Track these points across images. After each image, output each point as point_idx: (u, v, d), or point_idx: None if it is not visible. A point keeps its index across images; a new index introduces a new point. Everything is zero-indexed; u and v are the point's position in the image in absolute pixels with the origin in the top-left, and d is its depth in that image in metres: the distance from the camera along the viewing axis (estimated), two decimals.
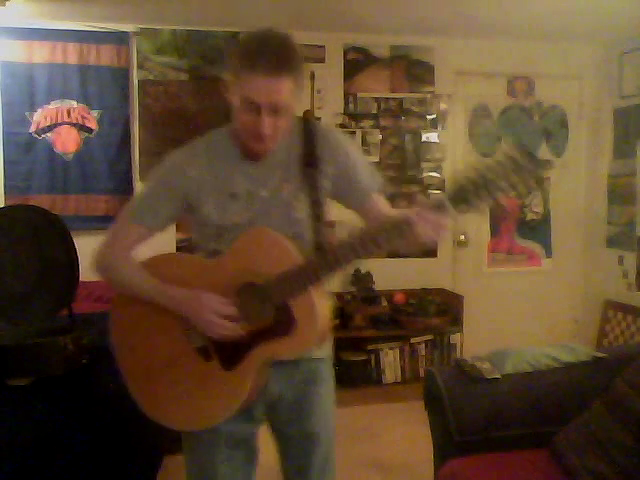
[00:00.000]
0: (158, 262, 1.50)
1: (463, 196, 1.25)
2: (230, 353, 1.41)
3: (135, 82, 3.85)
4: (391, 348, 3.93)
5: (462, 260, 4.36)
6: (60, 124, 3.74)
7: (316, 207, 1.46)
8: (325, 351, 1.57)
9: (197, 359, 1.44)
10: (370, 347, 3.89)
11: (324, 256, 1.36)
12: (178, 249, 3.20)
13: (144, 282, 1.45)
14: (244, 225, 1.42)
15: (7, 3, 3.15)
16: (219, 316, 1.38)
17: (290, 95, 1.34)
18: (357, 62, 4.12)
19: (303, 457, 1.57)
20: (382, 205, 1.54)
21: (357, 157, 1.54)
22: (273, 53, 1.30)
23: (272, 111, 1.33)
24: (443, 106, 4.25)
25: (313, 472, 1.58)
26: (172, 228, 1.57)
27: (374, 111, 4.15)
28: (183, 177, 1.44)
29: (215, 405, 1.43)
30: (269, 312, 1.37)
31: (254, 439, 1.57)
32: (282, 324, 1.36)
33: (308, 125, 1.51)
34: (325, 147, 1.48)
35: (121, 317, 1.54)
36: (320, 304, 1.37)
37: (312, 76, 4.00)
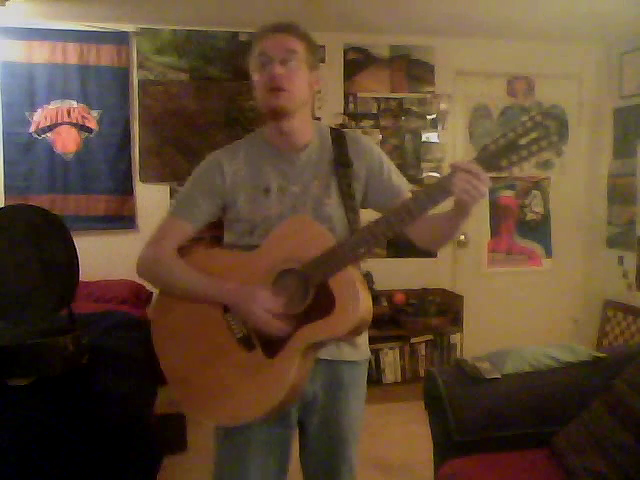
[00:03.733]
0: (198, 258, 1.52)
1: (492, 161, 1.27)
2: (273, 340, 1.40)
3: (135, 82, 3.85)
4: (391, 348, 3.93)
5: (462, 260, 4.36)
6: (60, 124, 3.74)
7: (349, 199, 1.50)
8: (361, 354, 1.59)
9: (240, 350, 1.43)
10: (370, 347, 3.88)
11: (361, 232, 1.37)
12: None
13: (193, 276, 1.47)
14: (275, 219, 1.46)
15: (7, 3, 3.15)
16: (267, 311, 1.38)
17: (302, 54, 1.45)
18: (357, 62, 4.12)
19: (331, 461, 1.58)
20: None
21: (387, 160, 1.60)
22: (282, 23, 1.48)
23: (283, 61, 1.43)
24: (443, 106, 4.25)
25: (341, 476, 1.59)
26: None
27: (374, 111, 4.15)
28: (220, 173, 1.50)
29: (261, 394, 1.40)
30: (309, 295, 1.37)
31: (289, 445, 1.57)
32: (322, 305, 1.35)
33: (338, 131, 1.59)
34: (356, 149, 1.54)
35: (162, 318, 1.54)
36: (361, 284, 1.37)
37: None
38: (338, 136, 1.56)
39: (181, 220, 1.51)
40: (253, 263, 1.44)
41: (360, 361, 1.60)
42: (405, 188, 1.58)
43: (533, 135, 1.25)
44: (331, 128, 1.60)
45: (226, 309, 1.45)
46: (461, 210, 1.34)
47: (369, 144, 1.59)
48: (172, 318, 1.52)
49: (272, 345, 1.40)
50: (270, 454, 1.52)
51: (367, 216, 1.54)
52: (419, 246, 1.55)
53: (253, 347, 1.42)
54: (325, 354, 1.48)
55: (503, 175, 1.30)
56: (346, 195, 1.49)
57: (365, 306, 1.36)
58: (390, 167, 1.59)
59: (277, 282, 1.41)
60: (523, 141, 1.26)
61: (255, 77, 1.47)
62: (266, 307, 1.38)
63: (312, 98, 1.55)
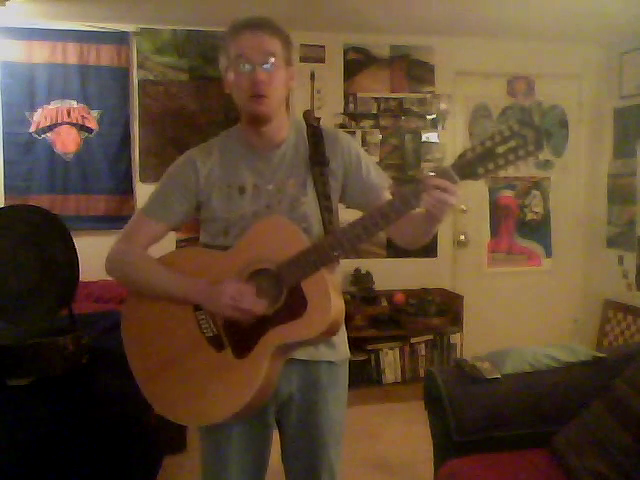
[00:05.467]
0: (172, 258, 1.52)
1: (469, 169, 1.27)
2: (243, 340, 1.40)
3: (135, 82, 3.85)
4: (391, 348, 3.93)
5: (462, 260, 4.36)
6: (60, 124, 3.74)
7: (325, 199, 1.48)
8: (338, 355, 1.56)
9: (209, 350, 1.43)
10: (370, 347, 3.89)
11: (335, 235, 1.36)
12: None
13: (162, 275, 1.46)
14: (249, 218, 1.45)
15: (7, 3, 3.15)
16: (239, 294, 1.37)
17: (280, 54, 1.42)
18: (357, 62, 4.12)
19: (311, 463, 1.57)
20: None
21: (365, 157, 1.57)
22: (256, 18, 1.43)
23: (263, 63, 1.40)
24: (443, 106, 4.25)
25: (322, 478, 1.57)
26: None
27: (374, 111, 4.15)
28: (194, 172, 1.49)
29: (229, 395, 1.40)
30: (281, 296, 1.37)
31: (267, 444, 1.57)
32: (294, 307, 1.35)
33: (314, 127, 1.55)
34: (333, 147, 1.52)
35: (132, 315, 1.54)
36: (333, 288, 1.37)
37: (312, 76, 4.00)
38: (314, 133, 1.53)
39: (152, 219, 1.51)
40: (227, 262, 1.43)
41: (338, 361, 1.57)
42: (385, 185, 1.56)
43: (510, 144, 1.24)
44: (308, 124, 1.57)
45: (197, 307, 1.45)
46: (432, 218, 1.35)
47: (347, 141, 1.56)
48: (143, 314, 1.51)
49: (242, 346, 1.40)
50: (248, 452, 1.53)
51: (347, 216, 1.54)
52: (397, 244, 1.57)
53: (223, 347, 1.42)
54: (302, 354, 1.47)
55: (479, 180, 1.30)
56: (322, 195, 1.48)
57: (336, 309, 1.36)
58: (369, 164, 1.57)
59: (250, 282, 1.41)
60: (500, 150, 1.25)
61: (230, 76, 1.44)
62: (236, 294, 1.37)
63: (288, 94, 1.53)
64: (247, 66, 1.40)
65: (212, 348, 1.43)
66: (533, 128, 1.25)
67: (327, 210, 1.48)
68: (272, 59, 1.41)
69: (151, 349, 1.50)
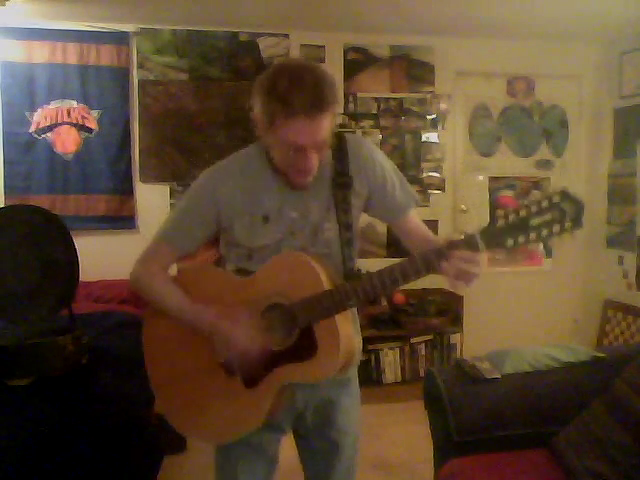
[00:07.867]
0: (190, 276, 1.51)
1: (498, 239, 1.22)
2: (253, 371, 1.41)
3: (135, 82, 3.85)
4: (391, 348, 3.92)
5: None
6: (60, 124, 3.74)
7: (346, 230, 1.45)
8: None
9: (221, 374, 1.45)
10: (370, 347, 3.88)
11: (352, 285, 1.34)
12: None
13: (180, 305, 1.45)
14: (272, 245, 1.43)
15: (7, 3, 3.15)
16: (248, 345, 1.39)
17: (330, 127, 1.32)
18: (357, 62, 4.12)
19: (326, 463, 1.58)
20: (416, 221, 1.55)
21: (391, 173, 1.51)
22: (310, 94, 1.25)
23: (316, 148, 1.32)
24: (443, 106, 4.25)
25: (338, 474, 1.59)
26: None
27: (374, 111, 4.15)
28: (213, 201, 1.43)
29: (233, 423, 1.44)
30: (293, 334, 1.37)
31: (277, 447, 1.58)
32: (305, 348, 1.36)
33: (340, 141, 1.47)
34: (358, 165, 1.46)
35: (152, 327, 1.55)
36: (345, 331, 1.36)
37: None
38: (339, 147, 1.45)
39: (172, 247, 1.48)
40: (245, 290, 1.43)
41: None
42: (410, 204, 1.53)
43: (547, 217, 1.18)
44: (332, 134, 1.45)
45: None
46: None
47: (371, 157, 1.48)
48: (163, 324, 1.51)
49: (251, 376, 1.42)
50: (259, 457, 1.54)
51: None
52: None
53: (233, 373, 1.44)
54: None
55: (504, 251, 1.24)
56: (343, 225, 1.44)
57: (346, 350, 1.36)
58: (394, 182, 1.50)
59: (265, 314, 1.41)
60: (535, 222, 1.18)
61: (271, 141, 1.34)
62: (248, 334, 1.39)
63: None
64: (299, 150, 1.31)
65: (224, 372, 1.44)
66: (575, 202, 1.18)
67: (348, 243, 1.45)
68: (325, 140, 1.33)
69: (168, 359, 1.51)
